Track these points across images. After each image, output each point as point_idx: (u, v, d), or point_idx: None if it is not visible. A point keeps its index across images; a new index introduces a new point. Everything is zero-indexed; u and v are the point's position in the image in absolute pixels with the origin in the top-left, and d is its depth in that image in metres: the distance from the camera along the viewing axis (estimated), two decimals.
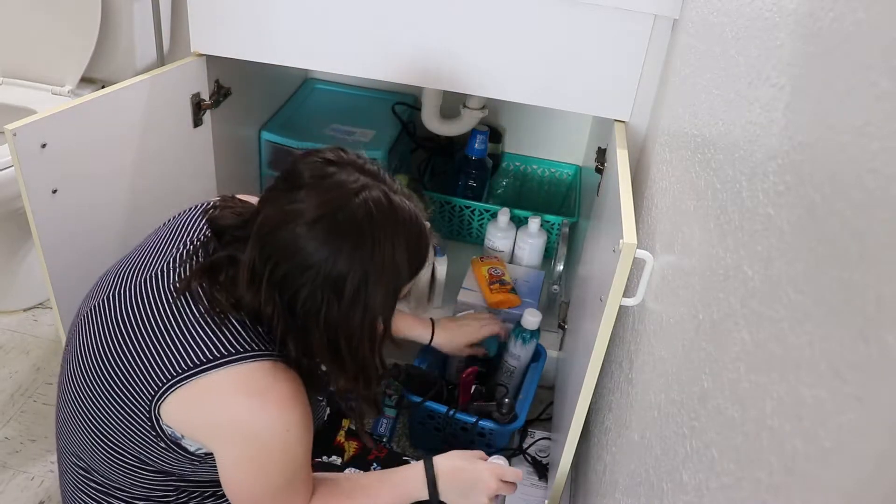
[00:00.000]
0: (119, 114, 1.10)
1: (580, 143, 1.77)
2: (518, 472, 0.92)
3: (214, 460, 0.79)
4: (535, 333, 1.29)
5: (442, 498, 0.89)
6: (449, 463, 0.90)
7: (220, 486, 0.84)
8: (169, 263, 0.80)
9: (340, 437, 1.16)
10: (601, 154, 1.20)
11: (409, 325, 1.20)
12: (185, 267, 0.79)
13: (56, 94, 1.61)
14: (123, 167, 1.14)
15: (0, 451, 1.28)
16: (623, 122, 1.13)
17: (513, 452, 1.29)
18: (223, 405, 0.74)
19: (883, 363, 0.33)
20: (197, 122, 1.27)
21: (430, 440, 1.28)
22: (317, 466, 0.96)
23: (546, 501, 1.09)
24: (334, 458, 1.06)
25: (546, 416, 1.38)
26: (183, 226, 0.86)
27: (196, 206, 0.89)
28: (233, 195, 0.87)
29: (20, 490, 1.22)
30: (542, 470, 1.27)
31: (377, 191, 0.74)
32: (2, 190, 1.32)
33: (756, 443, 0.46)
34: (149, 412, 0.75)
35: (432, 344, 1.19)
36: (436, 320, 1.22)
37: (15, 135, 0.92)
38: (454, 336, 1.19)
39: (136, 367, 0.75)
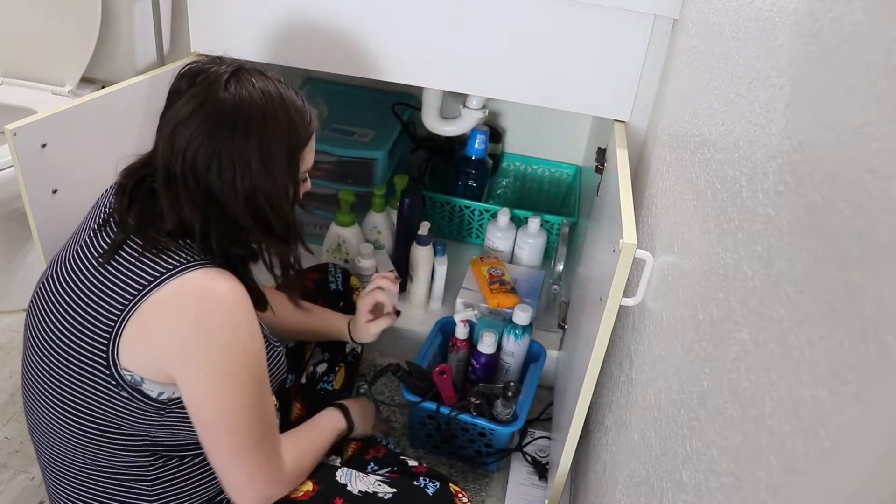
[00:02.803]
0: (119, 114, 1.10)
1: (580, 143, 1.77)
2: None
3: (180, 408, 0.80)
4: (526, 329, 1.29)
5: (354, 418, 1.08)
6: (352, 401, 1.12)
7: (198, 449, 0.85)
8: (93, 231, 0.83)
9: None
10: (601, 154, 1.20)
11: (328, 320, 1.19)
12: (107, 228, 0.82)
13: (56, 94, 1.61)
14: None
15: (0, 451, 1.28)
16: (623, 122, 1.13)
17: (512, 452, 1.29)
18: (171, 316, 0.76)
19: (883, 363, 0.33)
20: None
21: (429, 440, 1.28)
22: (317, 467, 0.97)
23: (546, 501, 1.09)
24: (333, 458, 1.06)
25: (546, 416, 1.38)
26: (97, 204, 0.89)
27: (109, 188, 0.92)
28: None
29: (20, 490, 1.22)
30: (542, 470, 1.27)
31: (243, 73, 0.83)
32: (2, 190, 1.32)
33: (756, 443, 0.46)
34: (107, 358, 0.77)
35: (353, 337, 1.18)
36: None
37: (15, 135, 0.93)
38: (355, 318, 1.17)
39: (86, 317, 0.78)
